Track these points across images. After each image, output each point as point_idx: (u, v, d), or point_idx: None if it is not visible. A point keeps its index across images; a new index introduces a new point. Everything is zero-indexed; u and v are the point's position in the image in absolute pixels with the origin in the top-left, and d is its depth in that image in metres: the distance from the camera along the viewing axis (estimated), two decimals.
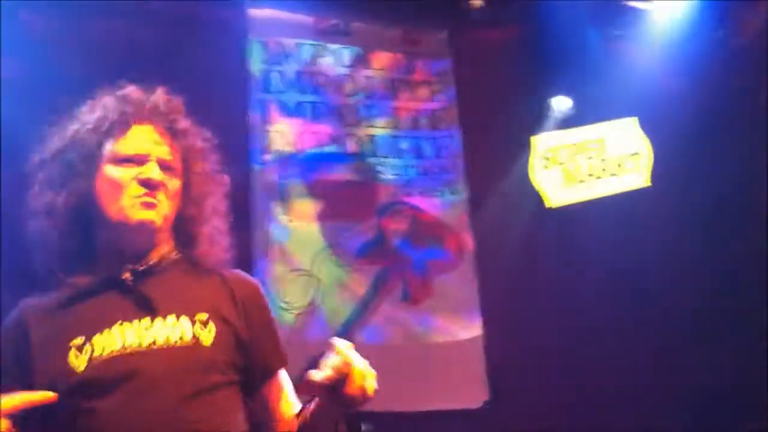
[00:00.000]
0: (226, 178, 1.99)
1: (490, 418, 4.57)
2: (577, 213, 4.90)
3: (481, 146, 5.19)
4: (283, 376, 1.91)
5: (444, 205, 5.05)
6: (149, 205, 1.76)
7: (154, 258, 1.81)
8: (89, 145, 1.80)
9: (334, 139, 4.95)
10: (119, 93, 1.88)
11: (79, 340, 1.68)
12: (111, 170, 1.78)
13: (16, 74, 4.04)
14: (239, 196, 4.50)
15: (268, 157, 4.76)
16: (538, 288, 4.86)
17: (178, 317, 1.73)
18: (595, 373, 4.68)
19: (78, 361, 1.65)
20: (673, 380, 4.77)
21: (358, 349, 4.53)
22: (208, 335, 1.73)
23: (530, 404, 4.58)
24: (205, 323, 1.74)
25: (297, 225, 4.70)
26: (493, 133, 5.17)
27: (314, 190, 4.79)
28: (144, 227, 1.77)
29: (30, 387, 1.63)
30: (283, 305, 4.51)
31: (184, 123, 1.90)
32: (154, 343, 1.68)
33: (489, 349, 4.75)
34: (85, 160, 1.80)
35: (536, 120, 5.25)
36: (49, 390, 1.60)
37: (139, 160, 1.79)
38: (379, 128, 5.07)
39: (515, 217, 5.00)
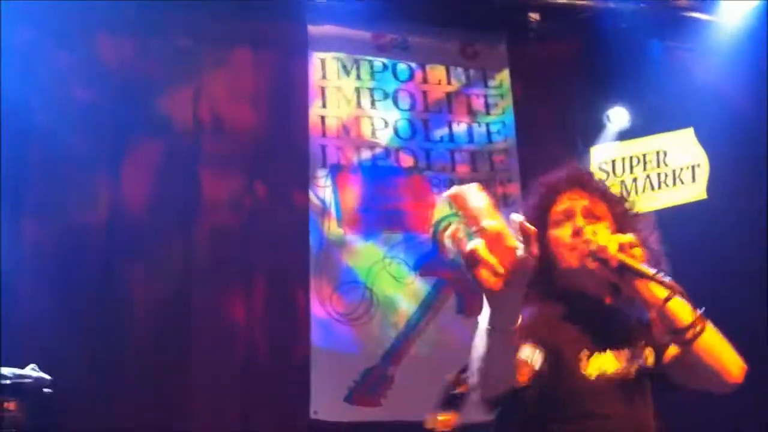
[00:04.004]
0: (649, 218, 2.30)
1: None
2: None
3: (538, 160, 5.21)
4: None
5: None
6: (581, 251, 2.06)
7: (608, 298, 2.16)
8: (537, 221, 2.06)
9: (391, 153, 5.05)
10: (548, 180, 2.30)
11: (585, 353, 2.05)
12: (553, 232, 2.16)
13: None
14: (297, 211, 4.73)
15: (325, 170, 4.89)
16: None
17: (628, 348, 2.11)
18: None
19: (588, 371, 2.04)
20: None
21: (412, 360, 4.64)
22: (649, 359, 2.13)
23: None
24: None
25: (353, 238, 4.81)
26: (550, 146, 5.19)
27: (371, 204, 4.90)
28: (586, 270, 2.06)
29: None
30: (338, 318, 4.64)
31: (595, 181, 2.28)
32: (624, 369, 2.08)
33: None
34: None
35: (593, 132, 5.26)
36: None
37: (568, 216, 2.16)
38: (436, 142, 5.15)
39: None
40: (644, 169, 5.14)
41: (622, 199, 2.27)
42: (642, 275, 1.92)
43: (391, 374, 4.61)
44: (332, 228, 4.79)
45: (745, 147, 5.02)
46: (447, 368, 4.67)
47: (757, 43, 5.05)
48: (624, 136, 5.23)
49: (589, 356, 2.06)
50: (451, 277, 4.89)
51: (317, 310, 4.62)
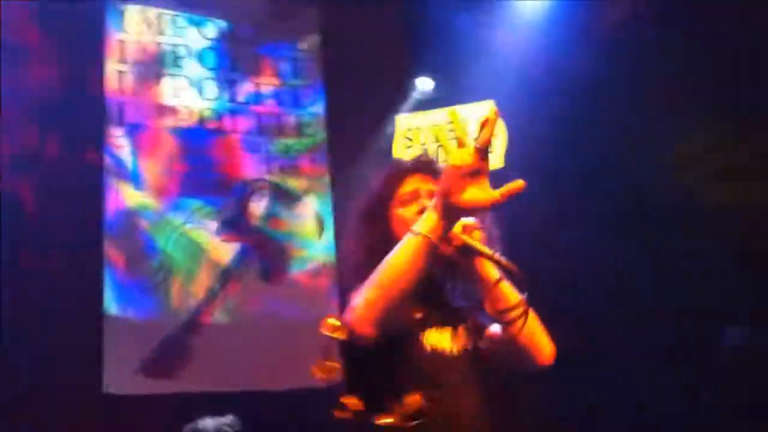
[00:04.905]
0: None
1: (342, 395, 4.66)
2: None
3: (345, 125, 5.23)
4: None
5: (306, 183, 5.08)
6: None
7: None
8: (383, 198, 2.34)
9: (195, 114, 4.88)
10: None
11: (424, 327, 2.20)
12: (398, 211, 2.30)
13: None
14: (92, 172, 4.49)
15: (123, 131, 4.66)
16: None
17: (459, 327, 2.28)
18: None
19: (426, 344, 2.18)
20: None
21: (212, 329, 4.57)
22: None
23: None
24: None
25: (151, 202, 4.64)
26: (358, 112, 5.21)
27: (171, 167, 4.73)
28: None
29: None
30: (135, 286, 4.48)
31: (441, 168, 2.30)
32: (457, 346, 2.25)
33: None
34: (381, 209, 2.33)
35: (400, 100, 5.32)
36: None
37: (414, 197, 2.29)
38: (242, 103, 5.03)
39: None
40: (447, 138, 5.25)
41: None
42: (483, 255, 2.04)
43: (190, 344, 4.51)
44: (129, 192, 4.58)
45: (543, 120, 5.24)
46: (249, 336, 4.66)
47: (556, 21, 5.28)
48: (429, 105, 5.31)
49: (426, 331, 2.19)
50: (254, 243, 4.83)
51: (113, 277, 4.43)
